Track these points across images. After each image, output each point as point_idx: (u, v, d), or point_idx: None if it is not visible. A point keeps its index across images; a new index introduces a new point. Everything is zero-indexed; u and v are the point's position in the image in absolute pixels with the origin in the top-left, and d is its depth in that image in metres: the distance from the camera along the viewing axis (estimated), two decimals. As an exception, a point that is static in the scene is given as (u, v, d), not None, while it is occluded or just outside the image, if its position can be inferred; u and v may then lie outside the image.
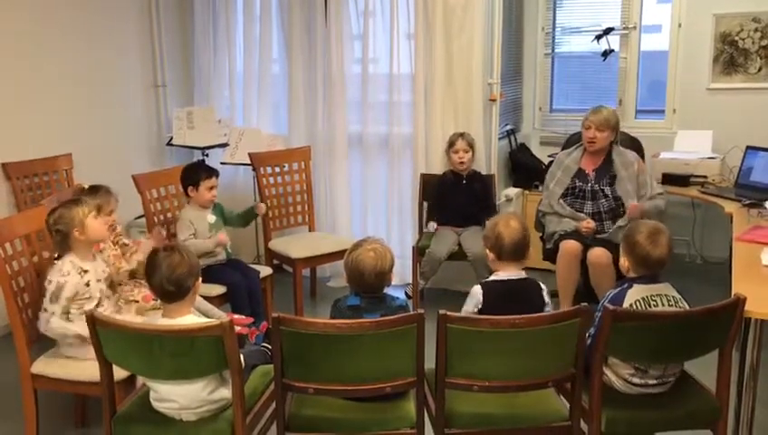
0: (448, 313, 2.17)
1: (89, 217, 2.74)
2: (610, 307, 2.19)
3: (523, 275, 2.55)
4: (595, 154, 3.95)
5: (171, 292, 2.26)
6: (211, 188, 3.71)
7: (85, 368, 2.61)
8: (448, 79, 4.52)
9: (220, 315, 2.95)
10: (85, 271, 2.74)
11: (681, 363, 2.44)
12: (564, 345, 2.22)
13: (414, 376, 2.22)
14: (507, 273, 2.53)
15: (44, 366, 2.71)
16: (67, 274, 2.69)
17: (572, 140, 4.46)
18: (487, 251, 2.57)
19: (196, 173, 3.74)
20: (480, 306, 2.46)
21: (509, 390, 2.27)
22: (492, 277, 2.57)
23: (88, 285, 2.74)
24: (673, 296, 2.41)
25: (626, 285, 2.43)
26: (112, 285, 2.95)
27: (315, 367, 2.19)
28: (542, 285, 2.55)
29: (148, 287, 2.33)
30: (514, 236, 2.49)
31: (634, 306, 2.35)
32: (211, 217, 3.75)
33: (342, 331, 2.13)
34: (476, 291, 2.50)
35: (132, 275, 3.22)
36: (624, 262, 2.49)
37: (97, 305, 2.74)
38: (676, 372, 2.43)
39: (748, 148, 4.46)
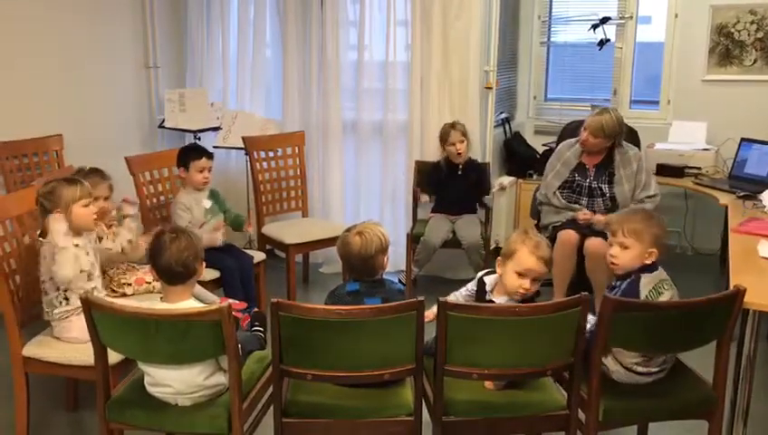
0: (448, 300, 2.16)
1: (77, 203, 2.66)
2: (611, 298, 2.19)
3: None
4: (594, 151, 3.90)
5: (179, 273, 2.23)
6: (201, 169, 3.63)
7: (79, 351, 2.57)
8: (444, 66, 4.48)
9: (215, 300, 2.92)
10: (75, 245, 2.67)
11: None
12: (564, 334, 2.21)
13: (413, 363, 2.20)
14: None
15: (36, 349, 2.67)
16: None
17: (568, 130, 4.44)
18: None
19: (185, 154, 3.68)
20: None
21: (508, 378, 2.27)
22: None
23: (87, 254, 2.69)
24: (668, 280, 2.47)
25: (633, 278, 2.45)
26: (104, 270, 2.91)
27: (313, 353, 2.17)
28: None
29: (152, 269, 2.28)
30: None
31: (649, 297, 2.38)
32: (207, 202, 3.69)
33: (343, 317, 2.10)
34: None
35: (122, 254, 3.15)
36: (649, 255, 2.44)
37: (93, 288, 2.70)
38: (672, 360, 2.44)
39: (742, 140, 4.46)
